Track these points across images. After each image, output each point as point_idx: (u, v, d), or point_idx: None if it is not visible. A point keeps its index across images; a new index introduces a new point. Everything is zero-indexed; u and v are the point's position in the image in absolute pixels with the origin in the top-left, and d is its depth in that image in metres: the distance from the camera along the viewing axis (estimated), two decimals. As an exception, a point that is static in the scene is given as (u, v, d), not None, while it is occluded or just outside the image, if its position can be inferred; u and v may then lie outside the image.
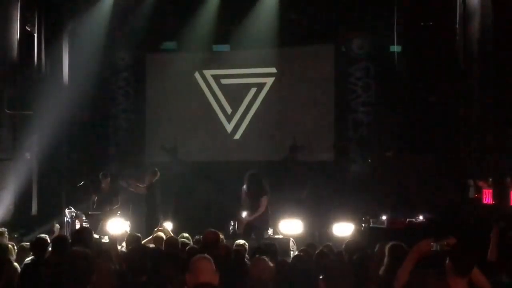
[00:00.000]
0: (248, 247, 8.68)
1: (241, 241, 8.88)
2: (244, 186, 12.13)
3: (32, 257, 7.30)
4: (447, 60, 13.60)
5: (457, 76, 13.31)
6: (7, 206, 13.41)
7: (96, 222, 12.55)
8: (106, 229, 11.85)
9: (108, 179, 13.41)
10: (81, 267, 4.75)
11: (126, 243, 8.51)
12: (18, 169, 13.73)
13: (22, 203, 13.74)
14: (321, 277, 5.18)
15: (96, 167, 14.35)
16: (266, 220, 11.95)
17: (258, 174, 12.09)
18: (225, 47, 15.85)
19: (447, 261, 4.76)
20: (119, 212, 12.98)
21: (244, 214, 11.86)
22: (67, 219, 12.71)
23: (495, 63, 11.86)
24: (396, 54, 13.92)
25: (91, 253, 5.21)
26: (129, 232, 10.83)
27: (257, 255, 6.94)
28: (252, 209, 11.84)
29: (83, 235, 6.93)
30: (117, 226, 11.80)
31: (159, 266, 6.28)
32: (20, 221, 12.42)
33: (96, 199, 13.33)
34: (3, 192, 13.43)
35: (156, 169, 13.53)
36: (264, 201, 11.79)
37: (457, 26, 13.26)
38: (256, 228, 11.69)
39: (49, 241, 7.74)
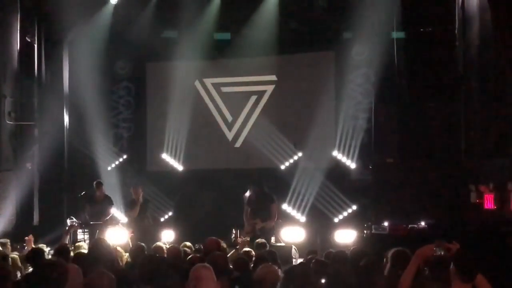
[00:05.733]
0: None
1: (246, 249, 8.89)
2: (247, 194, 12.36)
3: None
4: (447, 65, 13.62)
5: (457, 81, 13.33)
6: (9, 217, 13.42)
7: (94, 232, 12.44)
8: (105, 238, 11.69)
9: (102, 188, 13.13)
10: (54, 277, 4.78)
11: (130, 252, 8.51)
12: (20, 179, 13.74)
13: (24, 213, 13.76)
14: None
15: (97, 176, 14.32)
16: (273, 227, 12.24)
17: (261, 183, 12.49)
18: (225, 54, 15.82)
19: (451, 267, 4.76)
20: (120, 221, 12.92)
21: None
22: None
23: (494, 68, 11.87)
24: (396, 59, 13.94)
25: (64, 263, 5.25)
26: (131, 242, 10.83)
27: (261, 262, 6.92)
28: (259, 216, 12.13)
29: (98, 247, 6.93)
30: (117, 235, 11.66)
31: (163, 275, 6.27)
32: (22, 231, 12.39)
33: (89, 208, 12.98)
34: (5, 203, 13.43)
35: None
36: (274, 208, 12.18)
37: (456, 31, 13.29)
38: (263, 235, 11.83)
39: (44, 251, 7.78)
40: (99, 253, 6.55)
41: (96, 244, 7.21)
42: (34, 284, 5.08)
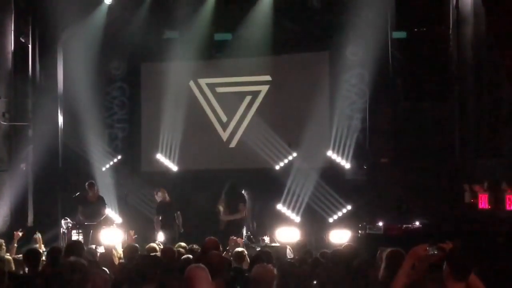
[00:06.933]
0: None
1: (239, 249, 8.89)
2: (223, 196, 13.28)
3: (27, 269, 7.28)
4: (441, 65, 13.65)
5: (451, 82, 13.35)
6: (3, 217, 13.39)
7: (88, 232, 12.40)
8: (100, 238, 11.60)
9: (95, 188, 13.10)
10: (76, 278, 4.75)
11: (123, 253, 8.50)
12: (14, 180, 13.72)
13: (18, 214, 13.74)
14: None
15: (92, 177, 14.29)
16: (241, 225, 13.02)
17: (235, 185, 13.42)
18: (220, 55, 15.82)
19: (444, 266, 4.76)
20: (115, 221, 12.88)
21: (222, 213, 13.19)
22: (63, 229, 12.66)
23: (488, 68, 11.91)
24: (390, 59, 13.96)
25: (85, 263, 5.21)
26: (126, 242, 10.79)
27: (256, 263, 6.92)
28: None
29: (74, 248, 6.92)
30: (111, 235, 11.57)
31: (157, 275, 6.26)
32: (16, 232, 12.39)
33: (82, 210, 12.92)
34: (-1, 204, 13.43)
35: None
36: (241, 207, 13.03)
37: (450, 32, 13.31)
38: (230, 229, 12.44)
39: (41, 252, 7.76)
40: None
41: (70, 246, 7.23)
42: (56, 285, 5.06)
